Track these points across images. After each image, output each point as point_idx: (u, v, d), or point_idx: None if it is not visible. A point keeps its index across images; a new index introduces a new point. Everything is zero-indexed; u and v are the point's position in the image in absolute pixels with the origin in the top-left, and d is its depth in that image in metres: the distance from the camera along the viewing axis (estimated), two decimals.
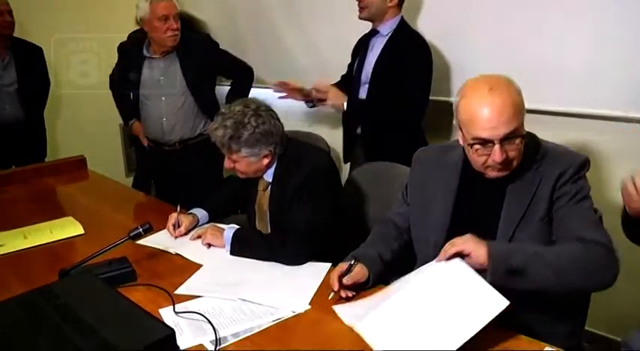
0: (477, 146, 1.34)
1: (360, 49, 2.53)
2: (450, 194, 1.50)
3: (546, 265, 1.27)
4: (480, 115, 1.30)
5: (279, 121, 1.81)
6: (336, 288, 1.42)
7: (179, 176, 2.86)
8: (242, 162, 1.77)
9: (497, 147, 1.30)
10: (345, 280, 1.42)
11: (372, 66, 2.40)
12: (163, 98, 2.77)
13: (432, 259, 1.38)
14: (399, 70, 2.29)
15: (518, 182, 1.40)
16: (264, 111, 1.77)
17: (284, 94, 2.54)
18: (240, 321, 1.34)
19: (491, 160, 1.33)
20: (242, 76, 2.92)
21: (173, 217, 1.88)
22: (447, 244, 1.31)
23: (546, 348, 1.20)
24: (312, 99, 2.49)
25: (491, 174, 1.38)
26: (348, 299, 1.43)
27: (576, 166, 1.38)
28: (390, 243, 1.60)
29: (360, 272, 1.46)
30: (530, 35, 2.22)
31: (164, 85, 2.76)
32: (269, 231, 1.86)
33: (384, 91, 2.35)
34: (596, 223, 1.36)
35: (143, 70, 2.77)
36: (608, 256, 1.29)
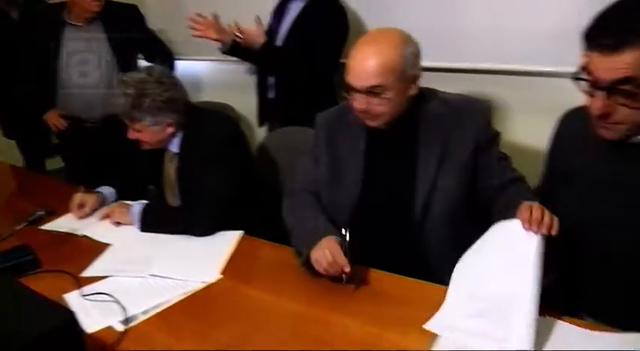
0: (350, 93, 1.39)
1: (277, 12, 2.46)
2: (359, 155, 1.52)
3: None
4: (352, 63, 1.36)
5: (182, 88, 1.76)
6: (347, 268, 1.30)
7: (105, 155, 2.62)
8: (145, 132, 1.72)
9: (357, 95, 1.37)
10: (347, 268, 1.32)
11: (287, 31, 2.36)
12: (88, 70, 2.55)
13: (347, 225, 1.40)
14: (313, 34, 2.26)
15: (426, 134, 1.45)
16: (167, 78, 1.72)
17: (199, 32, 2.40)
18: (150, 297, 1.32)
19: (354, 107, 1.39)
20: (162, 62, 2.67)
21: (77, 197, 1.81)
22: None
23: None
24: (226, 40, 2.38)
25: (367, 122, 1.43)
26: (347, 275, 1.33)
27: (486, 113, 1.47)
28: (322, 211, 1.55)
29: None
30: None
31: (88, 56, 2.54)
32: (179, 203, 1.83)
33: (296, 55, 2.32)
34: (510, 163, 1.48)
35: (64, 38, 2.51)
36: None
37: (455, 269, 1.25)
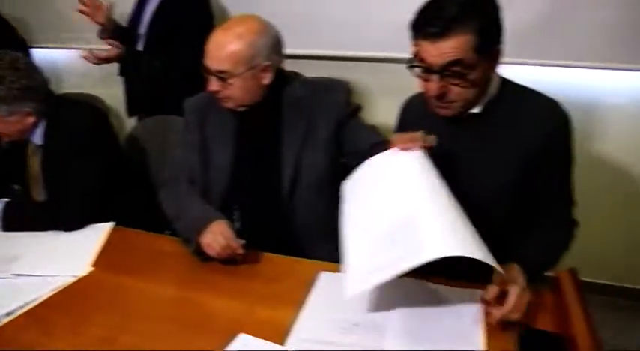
0: (206, 74, 1.45)
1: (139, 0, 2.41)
2: (229, 138, 1.56)
3: None
4: (207, 46, 1.43)
5: (41, 74, 1.67)
6: (240, 250, 1.37)
7: None
8: (1, 123, 1.62)
9: (211, 77, 1.44)
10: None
11: (150, 18, 2.32)
12: None
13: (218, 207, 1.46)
14: (175, 23, 2.24)
15: (290, 116, 1.52)
16: (23, 63, 1.62)
17: (86, 9, 2.28)
18: (15, 297, 1.28)
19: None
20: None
21: None
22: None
23: None
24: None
25: (221, 103, 1.50)
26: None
27: (345, 90, 1.56)
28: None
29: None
30: None
31: None
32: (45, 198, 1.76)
33: (160, 44, 2.28)
34: (377, 130, 1.57)
35: None
36: None
37: (343, 224, 1.25)
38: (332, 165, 1.54)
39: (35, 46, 2.81)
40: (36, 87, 1.63)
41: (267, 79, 1.47)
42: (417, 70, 1.24)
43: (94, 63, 2.23)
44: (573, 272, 1.21)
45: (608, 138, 2.31)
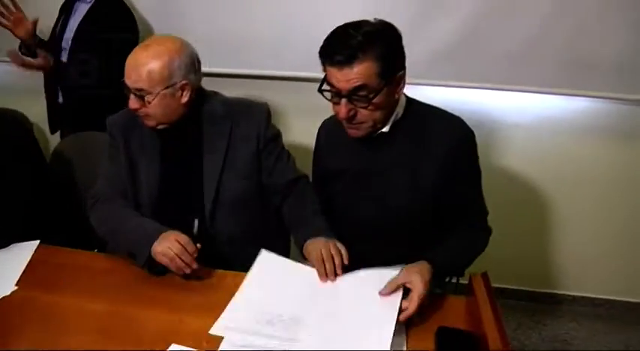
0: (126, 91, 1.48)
1: (64, 11, 2.37)
2: (155, 155, 1.58)
3: None
4: (126, 63, 1.46)
5: None
6: (195, 254, 1.37)
7: None
8: None
9: (131, 95, 1.47)
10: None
11: (73, 32, 2.29)
12: None
13: (153, 217, 1.49)
14: (100, 37, 2.22)
15: (210, 134, 1.56)
16: None
17: (7, 22, 2.20)
18: None
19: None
20: None
21: None
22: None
23: None
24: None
25: (144, 122, 1.52)
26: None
27: (264, 113, 1.61)
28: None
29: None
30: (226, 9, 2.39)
31: None
32: None
33: (84, 59, 2.25)
34: (293, 162, 1.66)
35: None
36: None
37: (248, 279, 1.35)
38: (253, 185, 1.60)
39: None
40: None
41: (185, 97, 1.50)
42: (327, 94, 1.33)
43: (18, 65, 2.17)
44: (485, 276, 1.30)
45: (510, 152, 2.50)
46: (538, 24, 2.14)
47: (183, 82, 1.48)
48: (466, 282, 1.34)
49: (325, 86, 1.33)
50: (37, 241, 1.58)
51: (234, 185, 1.56)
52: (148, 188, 1.58)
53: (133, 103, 1.47)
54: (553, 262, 2.66)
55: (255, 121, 1.58)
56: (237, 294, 1.31)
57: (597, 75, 2.17)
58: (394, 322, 1.17)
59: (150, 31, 2.47)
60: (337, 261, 1.33)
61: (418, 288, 1.21)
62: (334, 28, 1.31)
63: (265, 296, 1.30)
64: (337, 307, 1.26)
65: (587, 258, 2.60)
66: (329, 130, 1.60)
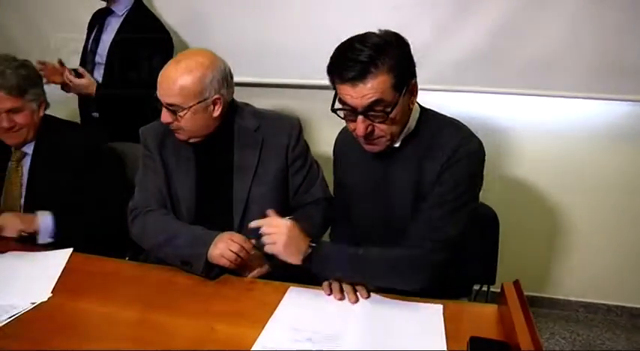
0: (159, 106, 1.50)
1: (94, 27, 2.41)
2: (189, 164, 1.60)
3: None
4: (159, 78, 1.47)
5: None
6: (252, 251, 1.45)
7: None
8: (27, 110, 1.70)
9: (163, 109, 1.49)
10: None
11: (108, 47, 2.33)
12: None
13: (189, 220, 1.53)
14: (136, 52, 2.27)
15: (241, 147, 1.57)
16: None
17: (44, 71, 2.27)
18: None
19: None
20: None
21: None
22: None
23: None
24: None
25: (176, 135, 1.54)
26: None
27: (297, 130, 1.61)
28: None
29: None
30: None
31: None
32: (21, 210, 1.75)
33: (120, 74, 2.30)
34: (322, 180, 1.66)
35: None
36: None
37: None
38: (281, 198, 1.60)
39: None
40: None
41: (217, 111, 1.51)
42: (341, 112, 1.30)
43: (65, 83, 2.25)
44: (517, 284, 1.28)
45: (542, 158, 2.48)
46: (568, 27, 2.12)
47: (216, 96, 1.49)
48: (498, 290, 1.32)
49: (338, 104, 1.29)
50: (71, 249, 1.60)
51: (262, 197, 1.57)
52: (184, 201, 1.60)
53: (166, 117, 1.48)
54: (587, 270, 2.60)
55: (286, 135, 1.59)
56: (270, 320, 1.27)
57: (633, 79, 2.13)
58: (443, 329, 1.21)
59: (179, 44, 2.51)
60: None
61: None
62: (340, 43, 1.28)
63: (300, 318, 1.28)
64: (376, 327, 1.24)
65: (624, 266, 2.54)
66: (342, 141, 1.59)
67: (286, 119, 1.64)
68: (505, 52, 2.22)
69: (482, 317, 1.29)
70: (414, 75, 1.29)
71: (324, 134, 2.48)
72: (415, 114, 1.38)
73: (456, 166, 1.31)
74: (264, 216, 1.40)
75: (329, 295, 1.35)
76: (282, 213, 1.50)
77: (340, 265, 1.32)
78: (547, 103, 2.34)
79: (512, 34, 2.18)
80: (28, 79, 1.70)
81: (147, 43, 2.27)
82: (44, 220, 1.66)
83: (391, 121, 1.27)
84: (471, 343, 1.16)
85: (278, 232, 1.30)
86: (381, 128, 1.29)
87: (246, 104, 1.66)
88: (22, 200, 1.77)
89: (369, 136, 1.30)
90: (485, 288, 1.66)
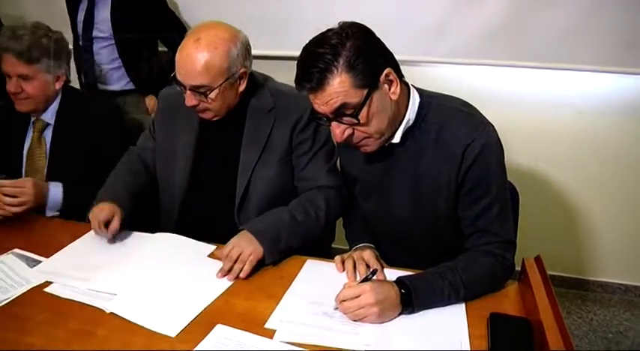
0: (180, 87, 1.43)
1: (78, 4, 2.39)
2: (192, 135, 1.56)
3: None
4: (178, 60, 1.39)
5: None
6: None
7: None
8: (37, 80, 1.66)
9: (187, 92, 1.41)
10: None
11: (109, 22, 2.33)
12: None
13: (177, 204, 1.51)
14: (140, 20, 2.28)
15: (252, 124, 1.52)
16: None
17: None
18: None
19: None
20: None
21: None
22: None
23: None
24: None
25: (199, 115, 1.48)
26: None
27: (309, 113, 1.47)
28: (137, 176, 1.62)
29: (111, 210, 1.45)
30: None
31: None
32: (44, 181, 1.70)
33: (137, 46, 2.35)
34: (330, 168, 1.56)
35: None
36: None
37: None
38: (283, 181, 1.55)
39: None
40: (67, 52, 1.79)
41: (243, 85, 1.46)
42: (319, 120, 1.25)
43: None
44: (539, 260, 1.24)
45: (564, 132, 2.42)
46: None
47: (242, 70, 1.43)
48: (518, 268, 1.29)
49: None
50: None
51: (267, 175, 1.52)
52: (181, 164, 1.57)
53: (191, 100, 1.40)
54: (604, 248, 2.57)
55: (295, 118, 1.51)
56: (286, 293, 1.26)
57: None
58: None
59: (191, 17, 2.47)
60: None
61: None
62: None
63: (317, 291, 1.26)
64: None
65: None
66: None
67: (301, 101, 1.42)
68: (527, 25, 2.16)
69: (502, 293, 1.27)
70: (384, 64, 1.19)
71: None
72: (414, 104, 1.28)
73: (478, 165, 1.25)
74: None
75: (342, 272, 1.34)
76: (283, 196, 1.51)
77: (438, 300, 1.21)
78: (569, 77, 2.28)
79: (534, 6, 2.12)
80: (43, 49, 1.65)
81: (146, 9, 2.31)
82: (55, 193, 1.64)
83: (366, 120, 1.20)
84: (491, 319, 1.15)
85: (365, 305, 1.14)
86: (360, 129, 1.22)
87: (266, 78, 1.58)
88: (45, 170, 1.75)
89: (350, 140, 1.24)
90: None
